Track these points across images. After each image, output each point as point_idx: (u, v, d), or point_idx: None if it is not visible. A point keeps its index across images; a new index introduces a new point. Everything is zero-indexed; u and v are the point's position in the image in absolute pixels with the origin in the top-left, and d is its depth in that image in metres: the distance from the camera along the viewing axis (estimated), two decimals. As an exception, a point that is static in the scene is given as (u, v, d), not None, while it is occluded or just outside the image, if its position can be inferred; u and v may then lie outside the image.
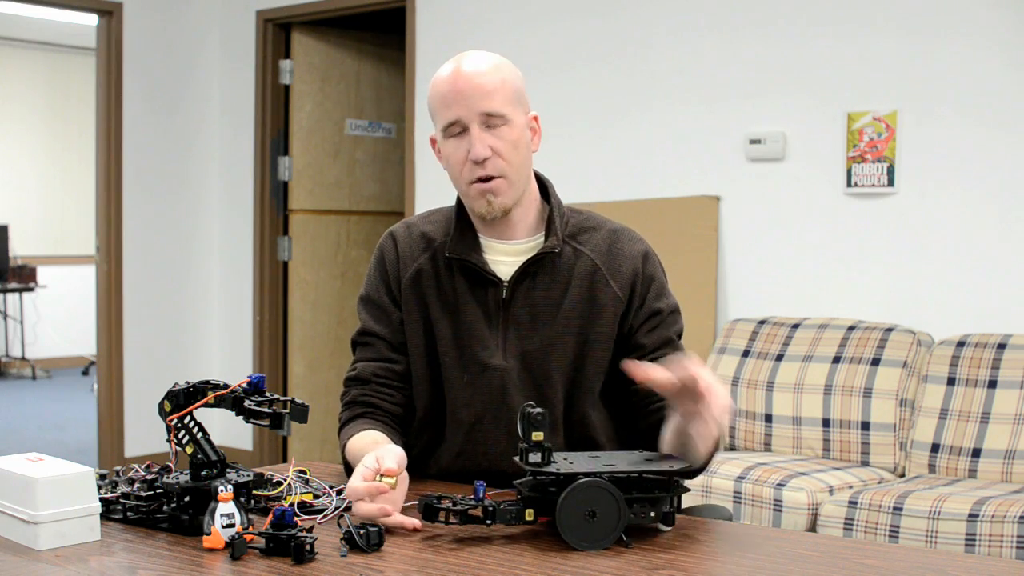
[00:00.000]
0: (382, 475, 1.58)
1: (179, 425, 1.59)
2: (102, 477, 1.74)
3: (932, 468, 3.69)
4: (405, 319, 1.98)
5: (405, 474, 1.68)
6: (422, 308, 1.97)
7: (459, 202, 2.00)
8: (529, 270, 1.94)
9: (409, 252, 2.00)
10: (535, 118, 1.97)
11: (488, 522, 1.56)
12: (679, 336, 2.00)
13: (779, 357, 4.07)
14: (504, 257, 1.96)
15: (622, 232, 2.00)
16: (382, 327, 2.00)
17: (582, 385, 1.93)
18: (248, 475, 1.62)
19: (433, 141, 1.97)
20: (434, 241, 1.99)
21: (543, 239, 1.96)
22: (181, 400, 1.59)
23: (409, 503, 1.73)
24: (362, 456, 1.68)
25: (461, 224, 1.97)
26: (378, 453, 1.63)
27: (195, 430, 1.60)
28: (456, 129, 1.89)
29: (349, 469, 1.88)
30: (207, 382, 1.61)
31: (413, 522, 1.60)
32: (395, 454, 1.63)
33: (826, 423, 3.90)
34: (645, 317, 1.95)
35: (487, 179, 1.88)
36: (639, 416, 1.95)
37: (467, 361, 1.93)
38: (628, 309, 1.95)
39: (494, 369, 1.92)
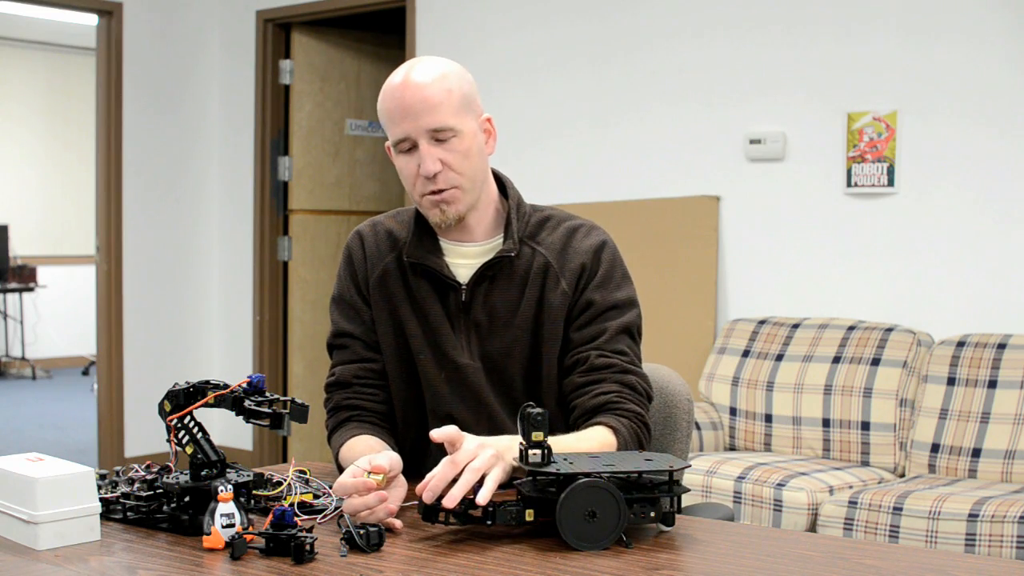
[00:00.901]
0: (370, 472, 1.57)
1: (179, 425, 1.59)
2: (102, 477, 1.74)
3: (932, 468, 3.69)
4: (376, 318, 1.98)
5: (402, 477, 1.68)
6: (391, 307, 1.97)
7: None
8: (487, 273, 1.93)
9: (376, 252, 2.00)
10: (488, 120, 1.95)
11: (488, 522, 1.55)
12: (626, 331, 1.91)
13: (779, 357, 4.07)
14: (463, 260, 1.95)
15: (580, 228, 1.97)
16: (355, 326, 2.00)
17: (542, 383, 1.93)
18: (248, 475, 1.62)
19: (388, 148, 1.95)
20: (399, 240, 1.99)
21: (502, 241, 1.95)
22: (181, 400, 1.59)
23: (409, 503, 1.73)
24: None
25: (420, 227, 1.97)
26: (371, 456, 1.64)
27: (195, 430, 1.60)
28: (406, 145, 1.87)
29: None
30: (207, 382, 1.61)
31: (398, 523, 1.60)
32: (388, 456, 1.64)
33: (826, 423, 3.90)
34: (580, 310, 1.92)
35: (439, 191, 1.87)
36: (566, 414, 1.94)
37: (442, 359, 1.94)
38: (571, 302, 1.93)
39: (466, 367, 1.93)
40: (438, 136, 1.85)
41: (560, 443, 1.72)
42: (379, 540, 1.51)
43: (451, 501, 1.51)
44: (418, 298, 1.95)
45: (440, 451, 1.95)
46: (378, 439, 1.90)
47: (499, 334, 1.92)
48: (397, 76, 1.89)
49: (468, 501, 1.56)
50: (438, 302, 1.94)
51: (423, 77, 1.86)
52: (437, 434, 1.62)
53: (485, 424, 1.90)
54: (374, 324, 1.98)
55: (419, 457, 1.99)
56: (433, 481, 1.53)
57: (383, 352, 1.98)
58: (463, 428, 1.91)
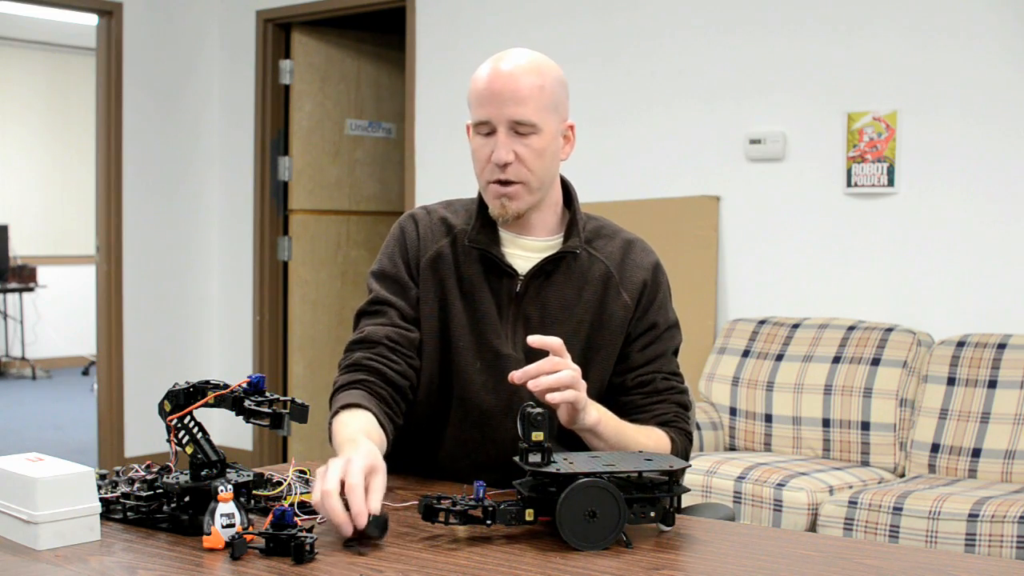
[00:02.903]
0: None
1: (179, 425, 1.59)
2: (102, 477, 1.74)
3: (932, 468, 3.69)
4: (421, 299, 1.97)
5: (383, 468, 1.60)
6: (439, 290, 1.97)
7: (481, 194, 2.01)
8: (546, 268, 1.95)
9: (430, 234, 2.00)
10: (571, 127, 1.97)
11: (488, 522, 1.56)
12: (675, 352, 2.02)
13: (779, 357, 4.07)
14: (523, 252, 1.97)
15: (636, 242, 2.03)
16: (398, 298, 1.97)
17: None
18: (248, 475, 1.62)
19: (468, 127, 1.97)
20: (454, 227, 2.00)
21: (563, 240, 1.98)
22: (181, 400, 1.59)
23: (409, 503, 1.73)
24: (339, 448, 1.69)
25: (482, 216, 1.98)
26: (347, 461, 1.56)
27: (195, 430, 1.60)
28: (485, 129, 1.89)
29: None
30: (207, 382, 1.61)
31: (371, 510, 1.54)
32: (361, 466, 1.55)
33: (826, 423, 3.90)
34: (643, 330, 1.97)
35: (506, 182, 1.89)
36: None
37: (481, 347, 1.94)
38: (632, 318, 1.97)
39: (507, 358, 1.92)
40: (518, 128, 1.87)
41: (627, 429, 1.85)
42: (385, 526, 1.53)
43: (536, 386, 1.67)
44: (469, 284, 1.96)
45: (455, 444, 1.96)
46: (374, 421, 1.82)
47: (549, 330, 1.92)
48: (492, 60, 1.91)
49: (468, 501, 1.56)
50: (489, 290, 1.95)
51: (520, 67, 1.88)
52: (536, 340, 1.73)
53: (515, 418, 1.90)
54: (418, 303, 1.97)
55: (434, 447, 1.99)
56: (532, 368, 1.68)
57: (423, 334, 1.96)
58: (492, 420, 1.93)
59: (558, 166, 1.97)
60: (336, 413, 1.85)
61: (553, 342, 1.72)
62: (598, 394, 1.93)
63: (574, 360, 1.85)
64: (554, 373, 1.70)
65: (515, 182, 1.89)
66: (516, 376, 1.69)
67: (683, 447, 1.95)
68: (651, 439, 1.89)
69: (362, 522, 1.50)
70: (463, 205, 2.04)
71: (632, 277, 1.97)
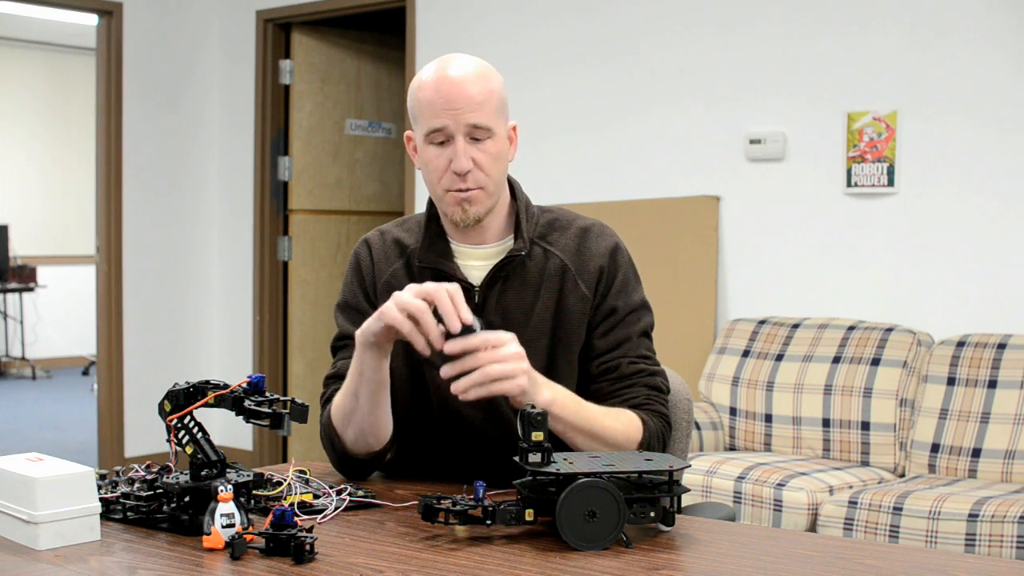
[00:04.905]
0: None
1: (179, 425, 1.59)
2: (102, 477, 1.74)
3: (932, 468, 3.69)
4: None
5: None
6: None
7: (429, 208, 1.99)
8: (499, 275, 1.93)
9: (384, 258, 2.00)
10: (514, 128, 1.96)
11: (488, 522, 1.56)
12: (645, 334, 1.97)
13: (779, 357, 4.07)
14: (475, 262, 1.95)
15: (592, 228, 1.99)
16: None
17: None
18: (248, 475, 1.61)
19: (409, 138, 1.96)
20: (407, 248, 1.99)
21: (512, 241, 1.95)
22: (181, 400, 1.59)
23: (409, 503, 1.73)
24: (355, 387, 1.79)
25: (431, 231, 1.96)
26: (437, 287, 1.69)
27: (195, 430, 1.60)
28: (439, 137, 1.86)
29: (341, 458, 1.89)
30: (207, 382, 1.61)
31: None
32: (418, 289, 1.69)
33: (826, 423, 3.90)
34: (603, 316, 1.94)
35: (465, 190, 1.88)
36: None
37: (451, 362, 1.93)
38: (591, 306, 1.94)
39: None
40: (475, 134, 1.85)
41: (590, 410, 1.82)
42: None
43: (457, 387, 1.68)
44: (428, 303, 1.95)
45: (439, 454, 1.96)
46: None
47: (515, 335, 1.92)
48: (433, 70, 1.88)
49: (468, 501, 1.56)
50: None
51: (468, 72, 1.86)
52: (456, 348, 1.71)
53: (497, 425, 1.90)
54: None
55: (419, 461, 1.99)
56: (459, 342, 1.68)
57: (390, 357, 1.96)
58: (474, 429, 1.92)
59: (507, 168, 1.95)
60: (328, 417, 1.89)
61: (471, 341, 1.70)
62: (571, 388, 1.91)
63: (542, 359, 1.87)
64: (495, 349, 1.69)
65: (474, 188, 1.87)
66: (445, 373, 1.69)
67: (658, 429, 1.90)
68: (620, 421, 1.85)
69: (457, 326, 1.65)
70: (416, 221, 2.02)
71: (588, 266, 1.94)
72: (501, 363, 1.68)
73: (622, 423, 1.85)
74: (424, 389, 1.94)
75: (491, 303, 1.93)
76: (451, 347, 1.68)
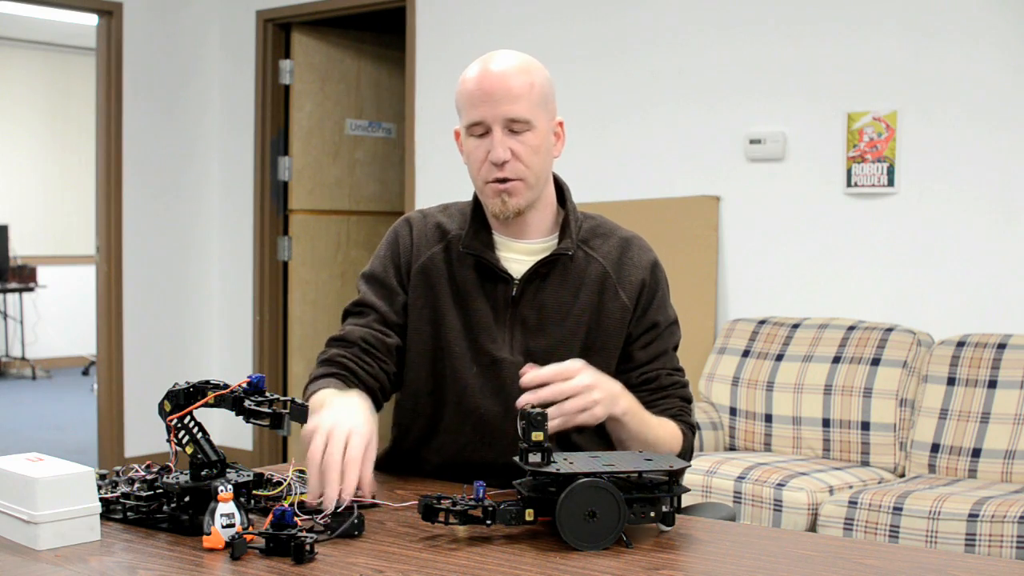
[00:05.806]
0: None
1: (179, 425, 1.59)
2: (102, 477, 1.74)
3: (932, 468, 3.69)
4: (411, 306, 1.98)
5: (375, 439, 1.65)
6: (431, 297, 1.97)
7: (476, 198, 2.01)
8: (541, 270, 1.95)
9: (424, 240, 2.01)
10: (560, 124, 1.99)
11: (488, 522, 1.56)
12: (675, 348, 2.04)
13: (779, 357, 4.07)
14: (517, 255, 1.97)
15: (633, 240, 2.03)
16: (382, 303, 1.99)
17: None
18: (248, 475, 1.62)
19: (457, 134, 1.98)
20: (448, 233, 2.01)
21: (557, 241, 1.98)
22: (181, 400, 1.59)
23: (409, 503, 1.73)
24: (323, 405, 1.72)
25: (477, 220, 1.99)
26: (349, 431, 1.61)
27: (195, 430, 1.60)
28: (479, 130, 1.90)
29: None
30: (207, 382, 1.61)
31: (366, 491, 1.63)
32: (363, 438, 1.62)
33: (826, 423, 3.90)
34: (644, 329, 1.98)
35: (504, 179, 1.90)
36: None
37: (477, 353, 1.94)
38: (632, 318, 1.97)
39: (504, 362, 1.93)
40: (513, 127, 1.88)
41: (649, 419, 1.88)
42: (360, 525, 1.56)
43: (533, 397, 1.69)
44: (462, 290, 1.96)
45: (453, 449, 1.96)
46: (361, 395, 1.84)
47: (546, 332, 1.94)
48: (481, 62, 1.92)
49: (468, 501, 1.56)
50: (484, 296, 1.95)
51: (509, 66, 1.90)
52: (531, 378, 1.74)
53: (514, 422, 1.90)
54: (404, 309, 1.99)
55: (422, 447, 1.99)
56: (535, 374, 1.71)
57: (414, 342, 1.98)
58: (492, 424, 1.93)
59: (551, 163, 1.98)
60: (312, 396, 1.88)
61: (543, 374, 1.74)
62: None
63: (570, 359, 1.86)
64: (567, 381, 1.73)
65: (513, 179, 1.90)
66: (527, 380, 1.72)
67: (691, 440, 1.99)
68: (667, 431, 1.92)
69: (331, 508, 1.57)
70: (459, 209, 2.05)
71: (630, 277, 1.97)
72: (575, 396, 1.73)
73: (669, 433, 1.93)
74: (443, 378, 1.96)
75: (528, 297, 1.95)
76: (527, 380, 1.72)
